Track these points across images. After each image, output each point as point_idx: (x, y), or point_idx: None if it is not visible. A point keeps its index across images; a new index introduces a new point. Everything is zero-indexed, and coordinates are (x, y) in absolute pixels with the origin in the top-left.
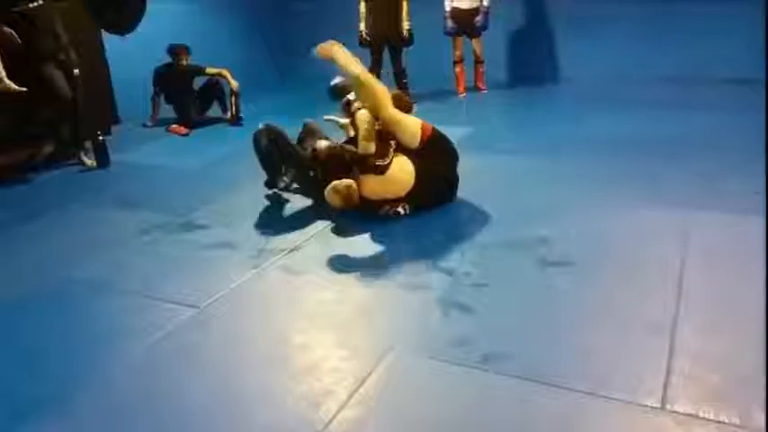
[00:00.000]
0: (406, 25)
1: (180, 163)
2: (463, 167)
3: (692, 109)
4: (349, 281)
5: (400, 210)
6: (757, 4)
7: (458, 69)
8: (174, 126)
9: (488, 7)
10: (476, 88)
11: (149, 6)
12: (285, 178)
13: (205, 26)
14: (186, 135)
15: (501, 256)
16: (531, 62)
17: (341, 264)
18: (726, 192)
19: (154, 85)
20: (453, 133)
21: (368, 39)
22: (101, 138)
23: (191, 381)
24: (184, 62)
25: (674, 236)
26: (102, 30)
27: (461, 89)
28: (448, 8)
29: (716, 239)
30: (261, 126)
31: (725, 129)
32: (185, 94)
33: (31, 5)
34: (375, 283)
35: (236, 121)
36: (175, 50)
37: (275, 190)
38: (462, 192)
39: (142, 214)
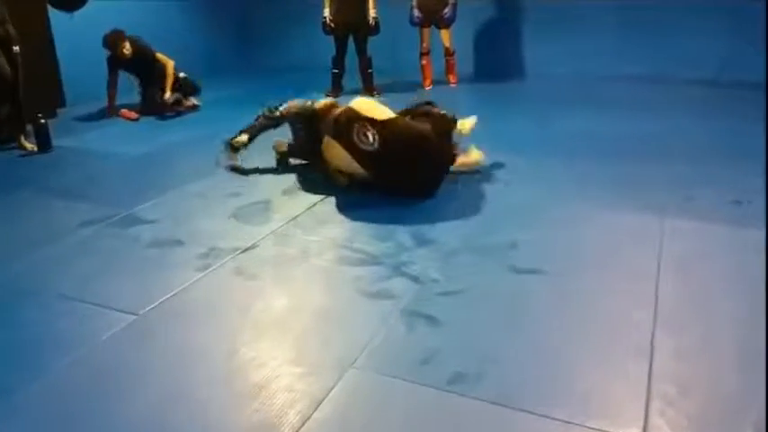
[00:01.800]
0: (372, 13)
1: (128, 150)
2: None
3: (661, 109)
4: (307, 286)
5: (369, 135)
6: (729, 8)
7: (424, 62)
8: (124, 110)
9: None
10: (446, 81)
11: None
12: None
13: (163, 9)
14: (135, 120)
15: (470, 262)
16: (499, 56)
17: (298, 267)
18: (700, 198)
19: (109, 68)
20: None
21: (332, 25)
22: (42, 120)
23: (122, 401)
24: (125, 50)
25: (648, 244)
26: (49, 6)
27: (428, 82)
28: None
29: (691, 249)
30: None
31: (695, 132)
32: (145, 78)
33: None
34: (335, 290)
35: (192, 108)
36: (108, 42)
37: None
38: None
39: (83, 205)
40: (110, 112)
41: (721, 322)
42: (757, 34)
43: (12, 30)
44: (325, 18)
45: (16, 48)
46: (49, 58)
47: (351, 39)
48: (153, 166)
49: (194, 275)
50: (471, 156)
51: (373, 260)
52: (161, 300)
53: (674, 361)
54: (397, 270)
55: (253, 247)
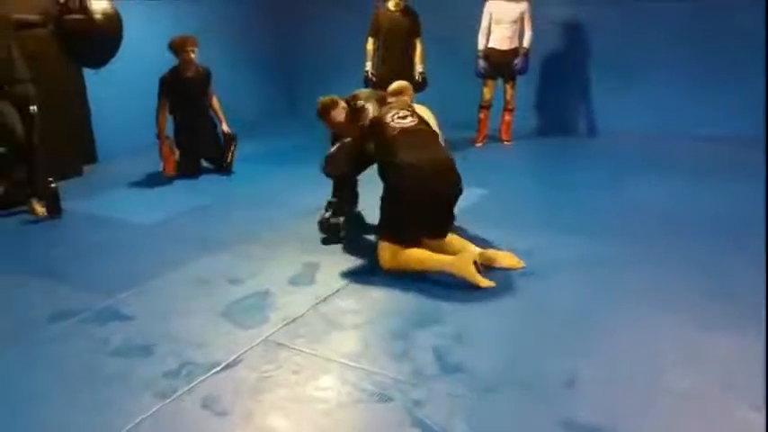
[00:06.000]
0: (419, 68)
1: (142, 216)
2: None
3: (758, 178)
4: None
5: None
6: None
7: (482, 115)
8: (168, 152)
9: (528, 49)
10: (499, 139)
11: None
12: None
13: (206, 58)
14: (171, 177)
15: (513, 408)
16: (562, 111)
17: (283, 400)
18: None
19: (160, 91)
20: (463, 196)
21: (374, 80)
22: (52, 185)
23: None
24: (192, 53)
25: (759, 383)
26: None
27: (481, 138)
28: (481, 47)
29: None
30: None
31: None
32: (194, 113)
33: None
34: None
35: (227, 169)
36: (175, 42)
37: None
38: (461, 286)
39: (63, 288)
40: (162, 144)
41: None
42: None
43: (32, 89)
44: (366, 72)
45: (33, 107)
46: (80, 113)
47: None
48: (159, 238)
49: (151, 406)
50: (503, 260)
51: (382, 394)
52: None
53: None
54: (412, 415)
55: (235, 362)
